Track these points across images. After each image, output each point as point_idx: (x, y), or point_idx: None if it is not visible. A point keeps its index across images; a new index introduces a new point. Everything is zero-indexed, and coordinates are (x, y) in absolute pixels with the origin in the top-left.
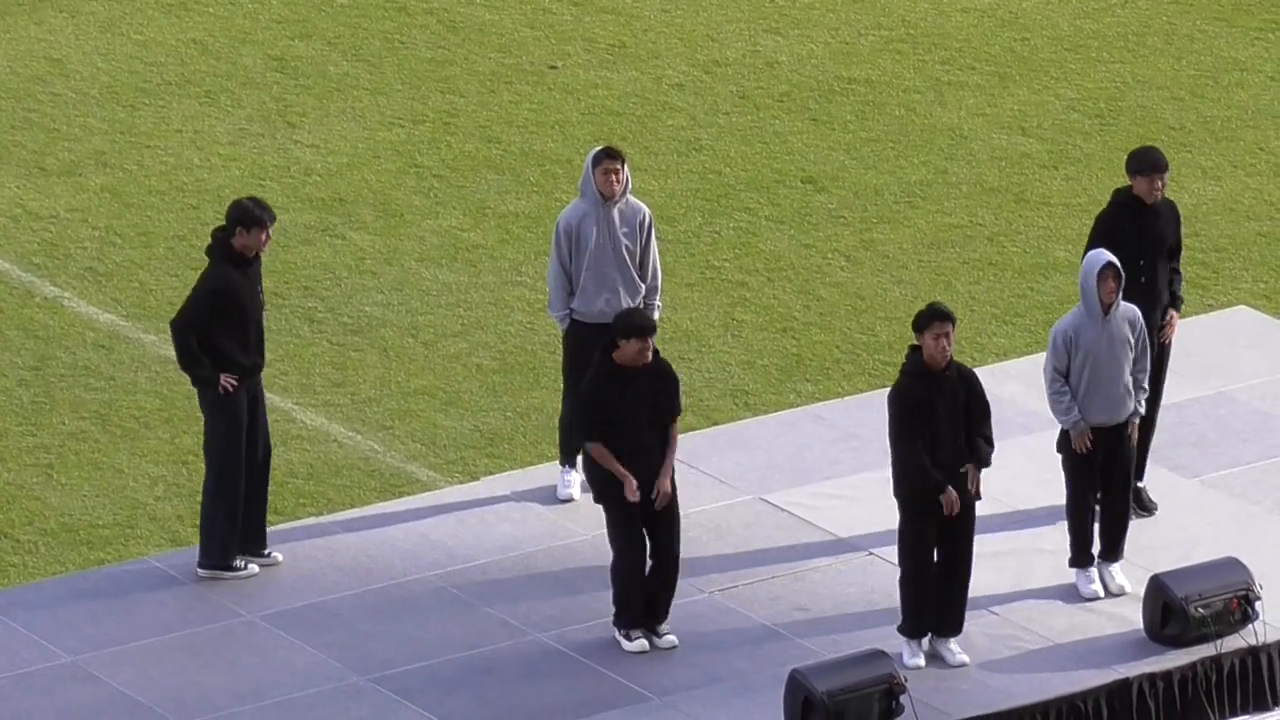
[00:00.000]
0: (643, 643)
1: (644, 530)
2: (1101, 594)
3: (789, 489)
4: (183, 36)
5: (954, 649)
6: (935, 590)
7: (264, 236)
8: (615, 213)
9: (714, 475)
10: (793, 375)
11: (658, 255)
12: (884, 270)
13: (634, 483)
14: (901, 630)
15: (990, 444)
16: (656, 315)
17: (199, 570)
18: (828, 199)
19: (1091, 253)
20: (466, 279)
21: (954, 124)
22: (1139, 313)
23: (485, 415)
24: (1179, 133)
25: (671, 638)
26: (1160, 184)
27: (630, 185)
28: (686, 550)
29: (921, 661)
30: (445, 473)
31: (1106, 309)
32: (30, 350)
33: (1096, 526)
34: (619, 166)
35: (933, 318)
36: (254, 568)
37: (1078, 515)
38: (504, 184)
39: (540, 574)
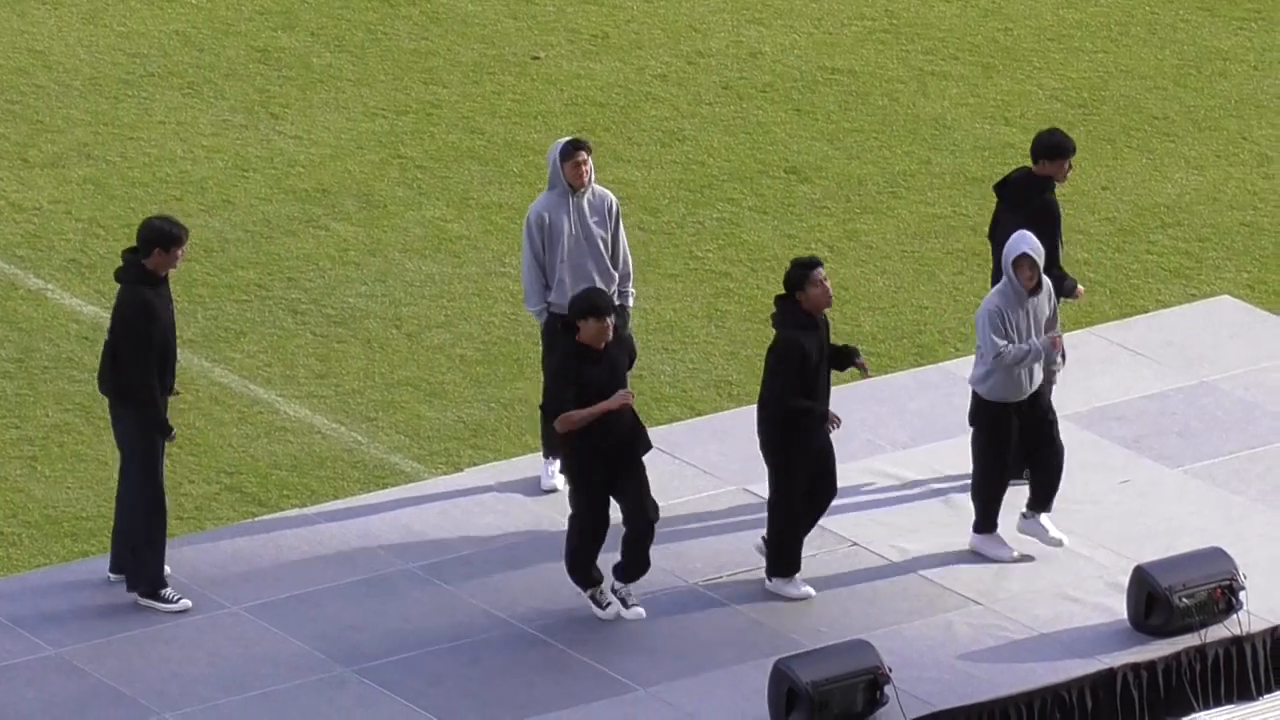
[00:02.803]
0: (613, 609)
1: (608, 499)
2: (1017, 554)
3: None
4: (165, 28)
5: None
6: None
7: (179, 253)
8: (584, 203)
9: (697, 466)
10: None
11: (627, 241)
12: (867, 261)
13: (615, 399)
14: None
15: None
16: (630, 302)
17: (139, 600)
18: (811, 189)
19: (1015, 235)
20: (450, 270)
21: (937, 114)
22: (1050, 284)
23: (469, 406)
24: (1162, 122)
25: (639, 609)
26: (1070, 167)
27: (593, 174)
28: (669, 541)
29: (811, 591)
30: (429, 464)
31: (1031, 291)
32: (14, 342)
33: (1026, 487)
34: (587, 157)
35: (808, 266)
36: (186, 601)
37: (992, 491)
38: (487, 175)
39: (524, 565)
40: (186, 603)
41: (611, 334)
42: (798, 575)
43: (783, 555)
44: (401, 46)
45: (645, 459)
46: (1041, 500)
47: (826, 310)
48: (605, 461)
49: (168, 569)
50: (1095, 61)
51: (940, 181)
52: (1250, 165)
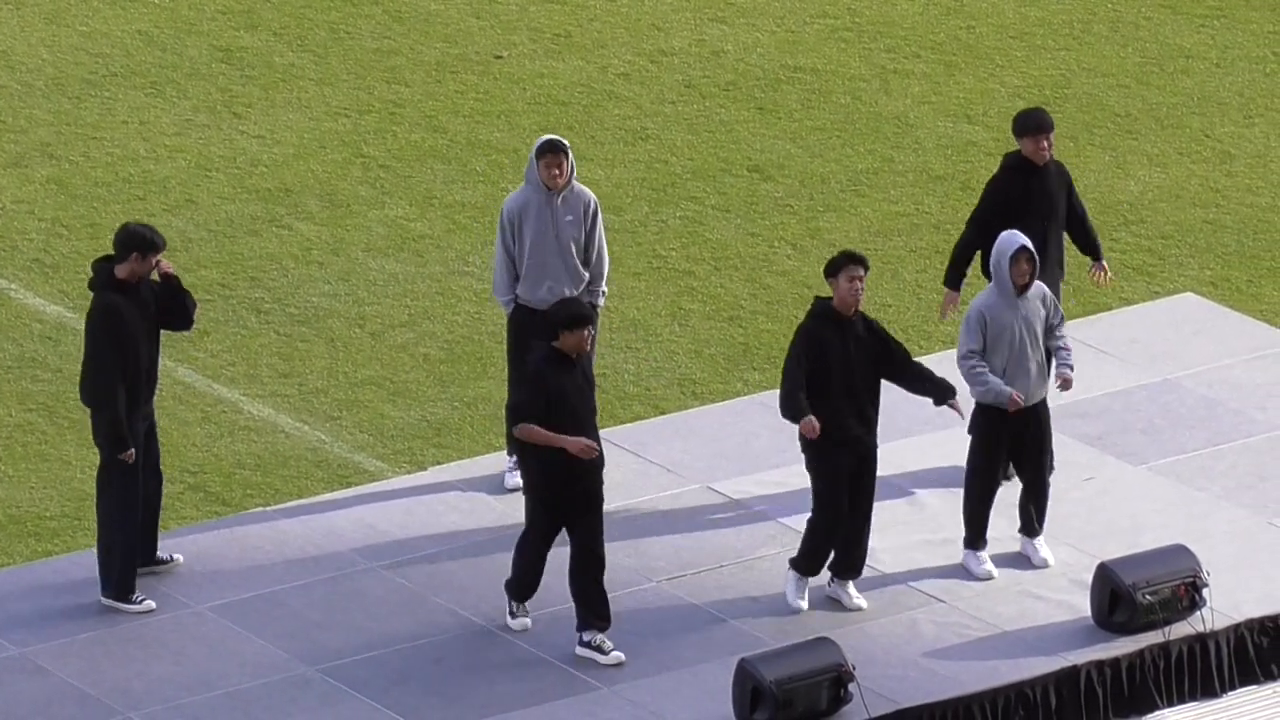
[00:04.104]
0: (525, 621)
1: (557, 525)
2: (995, 574)
3: (737, 477)
4: (128, 28)
5: (852, 592)
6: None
7: (155, 261)
8: (559, 201)
9: (661, 464)
10: (740, 364)
11: (605, 243)
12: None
13: (578, 441)
14: (795, 566)
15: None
16: (601, 302)
17: (101, 599)
18: (774, 188)
19: (1005, 234)
20: (413, 269)
21: (900, 112)
22: (1046, 288)
23: (432, 405)
24: (1125, 120)
25: (618, 654)
26: (1046, 144)
27: (575, 173)
28: (636, 539)
29: (805, 604)
30: (393, 463)
31: (1020, 290)
32: None
33: (1016, 505)
34: (561, 160)
35: (846, 260)
36: (150, 603)
37: (979, 497)
38: (450, 174)
39: (488, 563)
40: (150, 604)
41: (590, 343)
42: (807, 580)
43: (803, 552)
44: (364, 46)
45: (607, 458)
46: (1028, 525)
47: (854, 311)
48: (565, 501)
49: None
50: (1058, 59)
51: (903, 180)
52: (1213, 163)
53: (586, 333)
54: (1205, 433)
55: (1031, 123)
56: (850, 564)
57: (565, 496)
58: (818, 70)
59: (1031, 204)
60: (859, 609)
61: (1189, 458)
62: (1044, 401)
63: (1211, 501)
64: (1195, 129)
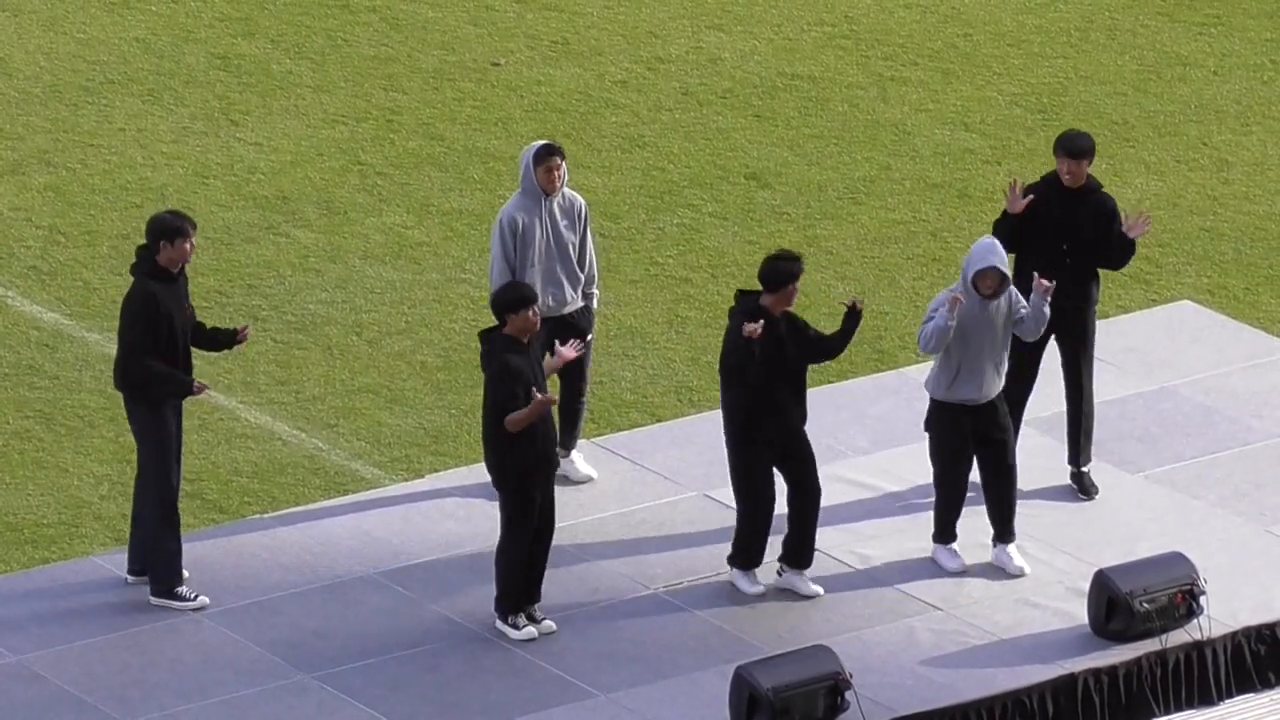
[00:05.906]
0: (531, 630)
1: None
2: (966, 566)
3: None
4: (125, 35)
5: (806, 579)
6: (791, 524)
7: (188, 246)
8: (555, 207)
9: (658, 471)
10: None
11: (593, 244)
12: (827, 267)
13: (545, 400)
14: (734, 563)
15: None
16: (595, 304)
17: (151, 599)
18: (771, 195)
19: (985, 242)
20: (410, 276)
21: (897, 120)
22: (1015, 291)
23: (429, 413)
24: (1122, 127)
25: (549, 623)
26: (1068, 169)
27: (567, 178)
28: (633, 547)
29: (761, 589)
30: (390, 470)
31: (984, 297)
32: None
33: (985, 509)
34: (559, 163)
35: (795, 276)
36: (204, 599)
37: (944, 497)
38: (447, 181)
39: (484, 571)
40: (204, 599)
41: (539, 324)
42: (755, 571)
43: (738, 543)
44: (361, 53)
45: (604, 465)
46: (1001, 532)
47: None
48: (533, 472)
49: (186, 573)
50: (1055, 67)
51: (900, 187)
52: (1210, 170)
53: (532, 313)
54: (1202, 441)
55: (1063, 145)
56: (803, 553)
57: (535, 465)
58: (815, 78)
59: (1053, 222)
60: (816, 595)
61: (1185, 466)
62: (1000, 400)
63: (1208, 509)
64: (1193, 137)
